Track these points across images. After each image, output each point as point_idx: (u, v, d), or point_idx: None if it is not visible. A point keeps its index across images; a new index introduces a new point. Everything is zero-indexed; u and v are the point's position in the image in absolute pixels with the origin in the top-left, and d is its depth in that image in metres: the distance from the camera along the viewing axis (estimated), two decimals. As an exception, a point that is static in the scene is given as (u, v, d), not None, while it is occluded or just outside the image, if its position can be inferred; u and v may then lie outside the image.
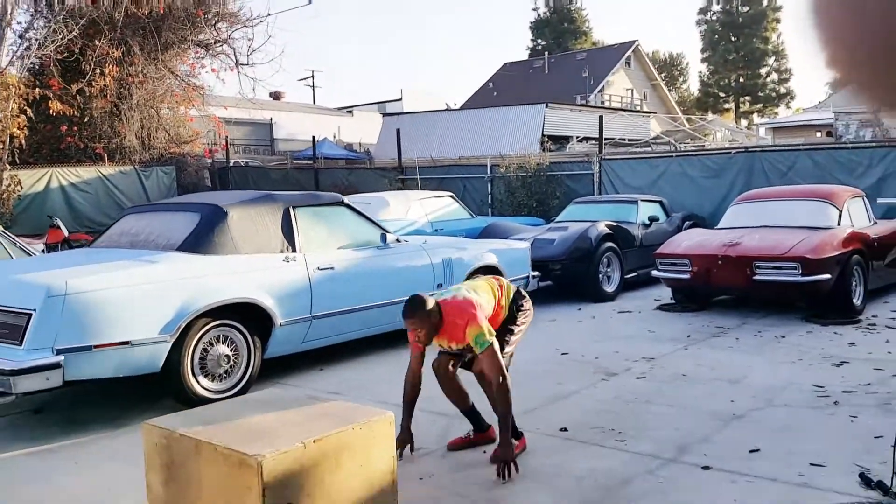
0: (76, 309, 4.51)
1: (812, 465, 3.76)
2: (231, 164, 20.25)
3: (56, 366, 4.42)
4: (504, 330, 4.04)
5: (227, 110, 23.03)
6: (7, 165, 15.46)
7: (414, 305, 3.76)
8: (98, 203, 17.16)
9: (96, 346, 4.58)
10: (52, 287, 4.49)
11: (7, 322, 4.53)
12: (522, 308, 4.16)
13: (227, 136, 21.62)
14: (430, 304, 3.77)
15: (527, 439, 4.10)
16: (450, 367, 4.06)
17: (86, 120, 17.33)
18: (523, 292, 4.24)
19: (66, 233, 13.16)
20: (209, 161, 20.59)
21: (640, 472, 3.73)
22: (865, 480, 3.56)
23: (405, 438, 3.94)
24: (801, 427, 4.37)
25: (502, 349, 3.88)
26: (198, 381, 5.03)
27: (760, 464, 3.80)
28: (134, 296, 4.75)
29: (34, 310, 4.43)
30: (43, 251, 10.77)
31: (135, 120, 17.88)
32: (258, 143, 34.84)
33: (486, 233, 10.15)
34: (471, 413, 4.15)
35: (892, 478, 3.42)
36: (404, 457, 3.91)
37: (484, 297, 3.96)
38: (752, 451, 3.96)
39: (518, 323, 4.11)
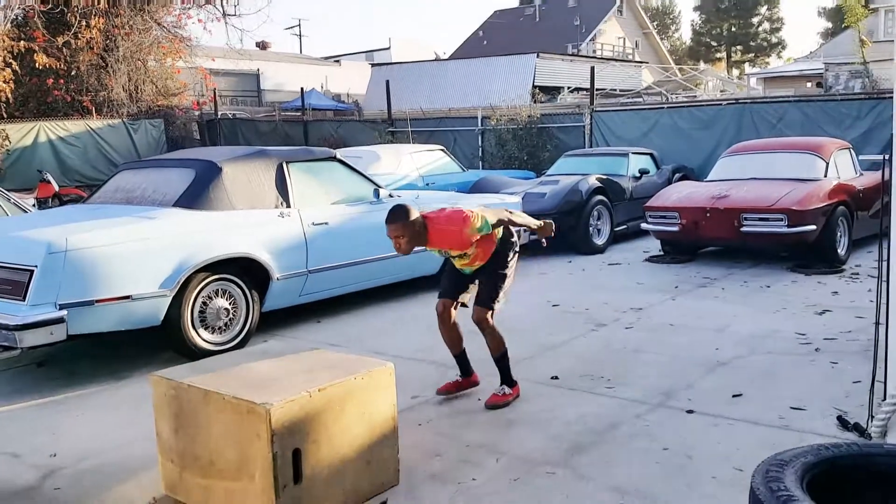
0: (77, 265, 4.60)
1: (792, 408, 3.94)
2: (219, 117, 20.09)
3: (59, 320, 4.53)
4: (495, 272, 4.15)
5: (215, 61, 22.76)
6: (-6, 119, 15.35)
7: (395, 213, 3.91)
8: (87, 157, 17.08)
9: (98, 301, 4.68)
10: (53, 244, 4.56)
11: (10, 279, 4.62)
12: (511, 242, 4.22)
13: (215, 89, 21.41)
14: (413, 214, 3.90)
15: (520, 387, 4.26)
16: (452, 310, 4.22)
17: (72, 73, 17.14)
18: (512, 229, 4.29)
19: (56, 187, 13.17)
20: (197, 113, 20.43)
21: (627, 416, 3.91)
22: (843, 423, 3.74)
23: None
24: (782, 373, 4.54)
25: (496, 297, 4.10)
26: (198, 334, 5.16)
27: (743, 408, 3.97)
28: (133, 251, 4.83)
29: (36, 266, 4.52)
30: (34, 206, 10.78)
31: (122, 72, 17.69)
32: (245, 94, 34.44)
33: (478, 186, 10.23)
34: (461, 357, 4.33)
35: (868, 420, 3.60)
36: (403, 405, 4.05)
37: (476, 212, 4.03)
38: (734, 396, 4.14)
39: (508, 262, 4.20)
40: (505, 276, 4.18)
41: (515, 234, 4.27)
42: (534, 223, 4.20)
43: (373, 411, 3.15)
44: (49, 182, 13.17)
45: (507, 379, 4.20)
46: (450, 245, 4.03)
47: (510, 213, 4.16)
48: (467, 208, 4.04)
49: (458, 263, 4.21)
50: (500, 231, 4.16)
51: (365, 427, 3.11)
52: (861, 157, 5.70)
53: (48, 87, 17.04)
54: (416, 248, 4.02)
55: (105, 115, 17.77)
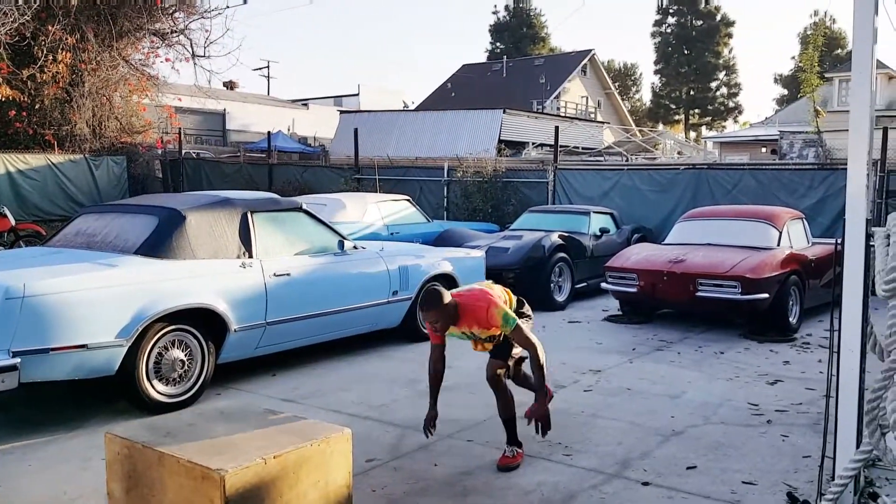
0: (34, 311, 4.51)
1: (744, 482, 4.00)
2: (183, 156, 19.98)
3: (12, 368, 4.41)
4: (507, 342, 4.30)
5: (181, 101, 22.72)
6: (-48, 148, 15.03)
7: (431, 297, 4.03)
8: (46, 192, 16.76)
9: (53, 349, 4.58)
10: (10, 288, 4.47)
11: (-39, 322, 4.49)
12: (525, 314, 4.48)
13: (180, 128, 21.31)
14: (447, 297, 4.05)
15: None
16: (502, 377, 4.35)
17: (36, 106, 16.92)
18: (524, 300, 4.57)
19: (12, 222, 12.84)
20: (160, 152, 20.28)
21: (584, 487, 3.92)
22: (792, 499, 3.80)
23: (432, 415, 4.23)
24: (735, 444, 4.61)
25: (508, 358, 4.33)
26: (152, 386, 5.06)
27: (696, 480, 4.02)
28: (92, 299, 4.75)
29: (-10, 310, 4.41)
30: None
31: (86, 108, 17.53)
32: (210, 134, 34.36)
33: (442, 238, 10.30)
34: (510, 422, 4.32)
35: (818, 498, 3.67)
36: (358, 468, 4.02)
37: (496, 291, 4.31)
38: (688, 468, 4.19)
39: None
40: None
41: (528, 309, 4.55)
42: (539, 382, 4.20)
43: (328, 479, 3.13)
44: (6, 216, 12.84)
45: (513, 439, 4.26)
46: (477, 322, 4.14)
47: (538, 348, 4.16)
48: (490, 291, 4.25)
49: (475, 346, 4.39)
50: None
51: (319, 494, 3.08)
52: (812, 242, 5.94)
53: (10, 119, 16.79)
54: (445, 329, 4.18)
55: (67, 149, 17.53)
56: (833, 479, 3.60)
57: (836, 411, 3.52)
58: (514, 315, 4.13)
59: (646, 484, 3.96)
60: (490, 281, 4.66)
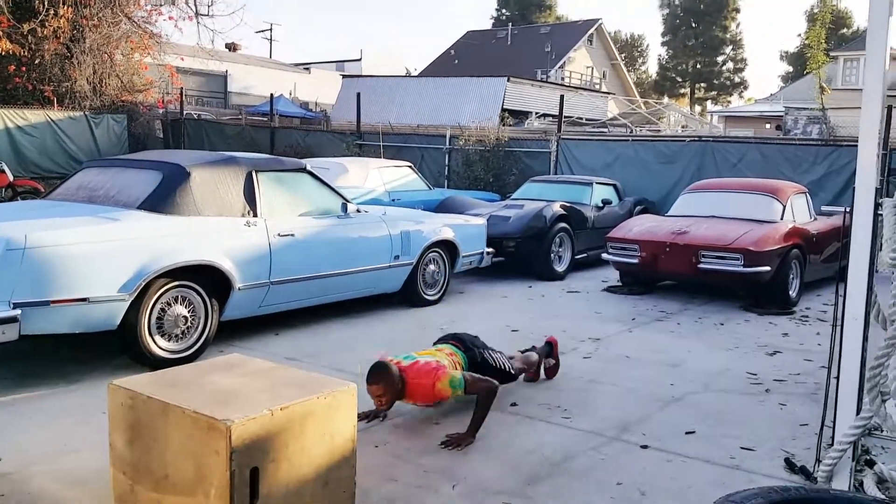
0: (35, 263, 4.49)
1: (742, 448, 4.03)
2: (184, 117, 19.82)
3: (12, 319, 4.40)
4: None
5: (183, 60, 22.48)
6: (-51, 102, 14.90)
7: (379, 371, 3.95)
8: (45, 149, 16.66)
9: (54, 302, 4.57)
10: (11, 240, 4.45)
11: (-38, 273, 4.48)
12: (475, 345, 4.55)
13: (182, 88, 21.12)
14: (394, 370, 3.97)
15: None
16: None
17: (36, 61, 16.74)
18: (469, 340, 4.58)
19: (10, 177, 12.80)
20: (161, 111, 20.12)
21: (583, 448, 3.95)
22: (790, 465, 3.84)
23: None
24: (733, 412, 4.65)
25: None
26: (154, 341, 5.07)
27: (695, 445, 4.05)
28: (94, 253, 4.74)
29: (-9, 262, 4.39)
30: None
31: (87, 64, 17.34)
32: (211, 96, 34.07)
33: (444, 206, 10.26)
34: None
35: (815, 464, 3.70)
36: (360, 426, 4.04)
37: (442, 357, 4.24)
38: (687, 433, 4.22)
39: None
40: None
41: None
42: (476, 421, 4.01)
43: (333, 432, 3.14)
44: (4, 172, 12.78)
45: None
46: (424, 398, 4.07)
47: (490, 393, 4.07)
48: (442, 361, 4.14)
49: None
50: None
51: (324, 448, 3.09)
52: (823, 208, 5.92)
53: (9, 74, 16.61)
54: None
55: (66, 106, 17.38)
56: (832, 446, 3.63)
57: (838, 380, 3.54)
58: (459, 375, 4.02)
59: (645, 447, 3.99)
60: (435, 347, 4.52)
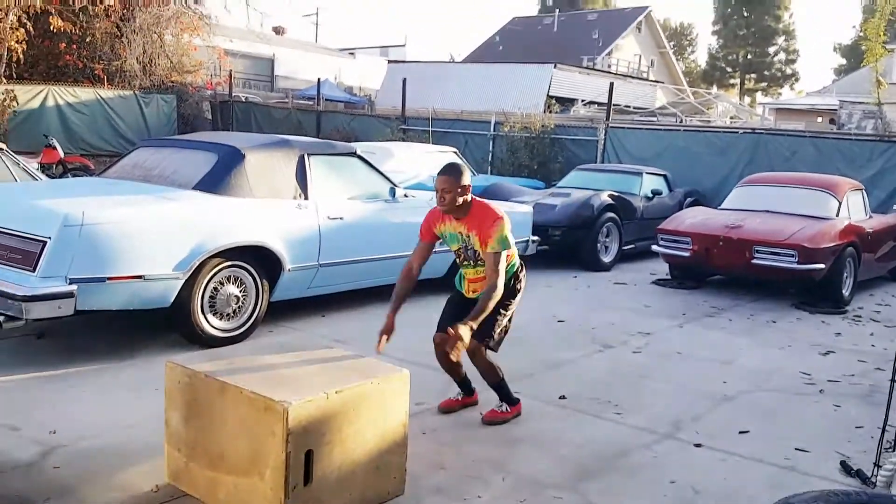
0: (92, 240, 4.56)
1: (797, 449, 3.94)
2: (233, 99, 20.01)
3: (69, 295, 4.47)
4: (494, 308, 3.96)
5: (232, 42, 22.69)
6: (3, 79, 15.20)
7: (450, 168, 3.94)
8: (95, 126, 16.95)
9: (110, 279, 4.64)
10: (69, 216, 4.51)
11: (21, 248, 4.55)
12: (518, 276, 4.17)
13: (231, 70, 21.32)
14: (465, 179, 3.89)
15: (523, 405, 4.22)
16: (481, 350, 4.04)
17: (87, 39, 17.03)
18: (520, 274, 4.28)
19: (61, 154, 13.00)
20: (210, 93, 20.34)
21: (636, 445, 3.90)
22: (846, 468, 3.74)
23: (388, 328, 3.97)
24: (787, 412, 4.55)
25: (491, 334, 3.99)
26: (206, 319, 5.12)
27: (749, 445, 3.97)
28: (150, 231, 4.80)
29: (50, 237, 4.45)
30: (38, 171, 10.68)
31: (137, 43, 17.60)
32: (258, 79, 34.33)
33: (489, 192, 10.17)
34: (462, 382, 4.28)
35: (874, 468, 3.60)
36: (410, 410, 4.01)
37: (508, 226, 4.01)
38: (741, 433, 4.14)
39: (509, 303, 4.08)
40: (503, 314, 4.05)
41: (522, 280, 4.17)
42: (475, 315, 3.80)
43: (385, 417, 3.14)
44: (55, 148, 12.99)
45: (507, 398, 4.14)
46: (479, 228, 3.90)
47: (498, 285, 3.86)
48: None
49: (469, 274, 4.12)
50: (508, 267, 4.01)
51: (377, 433, 3.10)
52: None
53: (60, 51, 16.88)
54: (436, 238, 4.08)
55: (116, 85, 17.67)
56: (892, 450, 3.53)
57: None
58: (511, 244, 3.91)
59: (698, 445, 3.92)
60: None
